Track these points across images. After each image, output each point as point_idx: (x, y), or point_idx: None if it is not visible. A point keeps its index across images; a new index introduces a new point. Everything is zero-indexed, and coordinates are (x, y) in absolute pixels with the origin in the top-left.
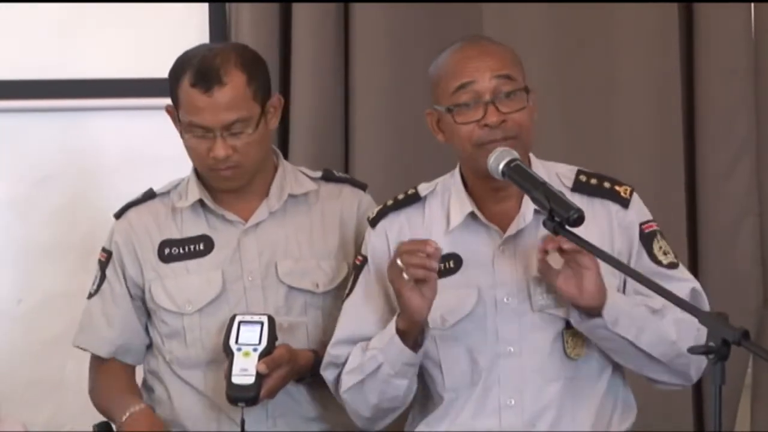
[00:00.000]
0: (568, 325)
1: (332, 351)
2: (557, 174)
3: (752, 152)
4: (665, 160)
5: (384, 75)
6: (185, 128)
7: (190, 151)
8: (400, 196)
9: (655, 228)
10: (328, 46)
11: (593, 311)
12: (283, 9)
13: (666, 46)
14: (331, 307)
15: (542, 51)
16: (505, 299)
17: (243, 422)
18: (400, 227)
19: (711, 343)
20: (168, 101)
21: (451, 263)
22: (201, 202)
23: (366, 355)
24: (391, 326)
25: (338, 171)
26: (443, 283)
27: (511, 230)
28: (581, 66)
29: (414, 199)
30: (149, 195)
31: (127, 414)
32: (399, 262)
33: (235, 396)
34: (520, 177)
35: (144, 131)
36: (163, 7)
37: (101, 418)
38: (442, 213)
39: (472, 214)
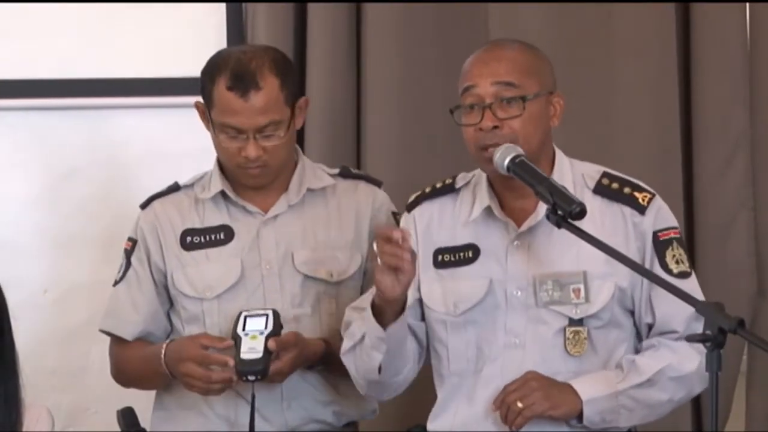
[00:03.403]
0: (570, 323)
1: (347, 314)
2: (582, 174)
3: (747, 149)
4: (663, 157)
5: (395, 73)
6: (218, 128)
7: (221, 148)
8: (438, 185)
9: (672, 236)
10: (341, 45)
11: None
12: (298, 9)
13: (663, 46)
14: (344, 297)
15: (544, 50)
16: (514, 292)
17: (253, 397)
18: (430, 215)
19: (708, 332)
20: (188, 99)
21: (470, 253)
22: (223, 193)
23: (356, 324)
24: (369, 299)
25: (354, 168)
26: (460, 272)
27: (524, 226)
28: (580, 65)
29: (449, 189)
30: (174, 187)
31: (164, 348)
32: (374, 246)
33: (243, 370)
34: (525, 172)
35: (164, 128)
36: (181, 7)
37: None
38: (469, 204)
39: (489, 208)
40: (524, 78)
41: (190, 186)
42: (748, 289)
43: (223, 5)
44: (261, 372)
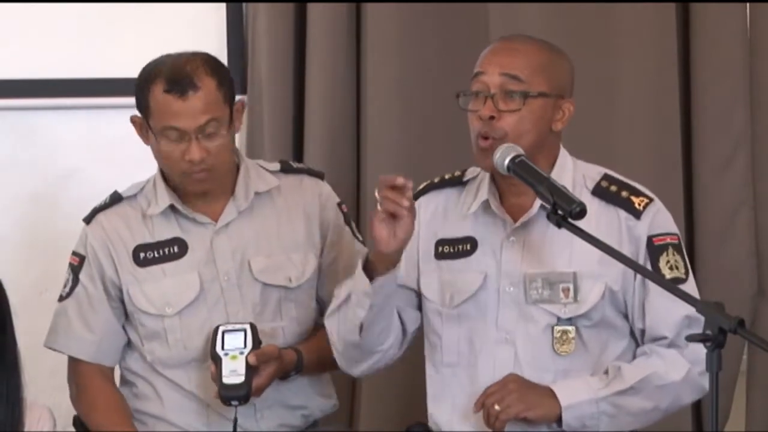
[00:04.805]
0: (559, 322)
1: (336, 290)
2: (583, 175)
3: (747, 147)
4: (663, 155)
5: (395, 73)
6: (159, 134)
7: (164, 157)
8: (447, 176)
9: (668, 242)
10: (341, 45)
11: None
12: (298, 9)
13: (664, 45)
14: (304, 299)
15: None
16: (507, 288)
17: (236, 420)
18: (436, 205)
19: (708, 332)
20: None
21: (468, 246)
22: (171, 206)
23: (345, 283)
24: (361, 262)
25: (295, 162)
26: (458, 264)
27: (518, 222)
28: (580, 64)
29: (457, 181)
30: (116, 198)
31: None
32: (377, 193)
33: (227, 395)
34: (525, 172)
35: None
36: (182, 7)
37: None
38: (472, 198)
39: (487, 202)
40: (533, 75)
41: (133, 197)
42: (748, 289)
43: (223, 5)
44: (244, 397)
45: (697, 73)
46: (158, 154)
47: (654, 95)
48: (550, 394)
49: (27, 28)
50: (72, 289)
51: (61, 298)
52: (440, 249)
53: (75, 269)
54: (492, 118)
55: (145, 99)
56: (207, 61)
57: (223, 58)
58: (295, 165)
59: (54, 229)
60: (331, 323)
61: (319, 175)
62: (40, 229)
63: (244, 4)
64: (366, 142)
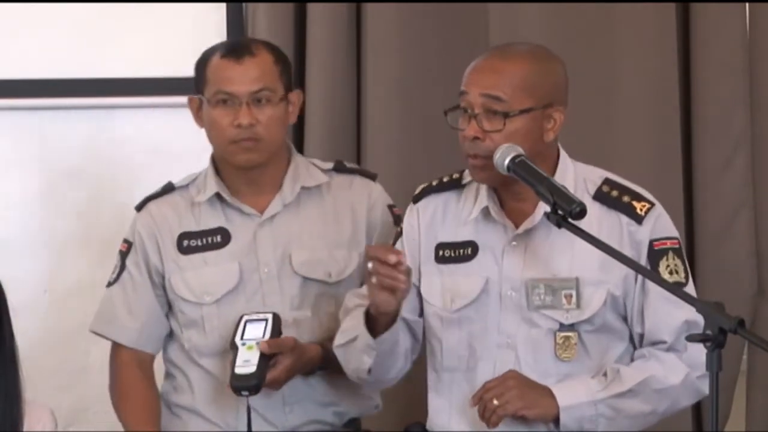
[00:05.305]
0: (561, 328)
1: (346, 301)
2: (584, 179)
3: (747, 147)
4: (663, 155)
5: (395, 72)
6: (212, 102)
7: (213, 126)
8: (445, 179)
9: (668, 246)
10: (341, 44)
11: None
12: (298, 9)
13: (664, 45)
14: (343, 297)
15: None
16: (509, 293)
17: (249, 410)
18: (435, 209)
19: (708, 332)
20: (185, 99)
21: (469, 250)
22: (218, 195)
23: (351, 322)
24: (363, 310)
25: (349, 162)
26: (458, 268)
27: (521, 228)
28: (580, 65)
29: (455, 184)
30: (168, 188)
31: None
32: (369, 265)
33: (237, 385)
34: (525, 172)
35: (164, 128)
36: (182, 7)
37: None
38: (471, 202)
39: (487, 209)
40: (515, 93)
41: (184, 187)
42: (748, 289)
43: (223, 5)
44: (254, 387)
45: (697, 73)
46: (209, 125)
47: (654, 95)
48: (549, 393)
49: (27, 28)
50: (119, 275)
51: (109, 284)
52: (440, 253)
53: (123, 255)
54: (477, 138)
55: (203, 73)
56: (268, 43)
57: None
58: (349, 165)
59: (54, 229)
60: (340, 355)
61: (372, 177)
62: (41, 229)
63: (244, 4)
64: (366, 142)
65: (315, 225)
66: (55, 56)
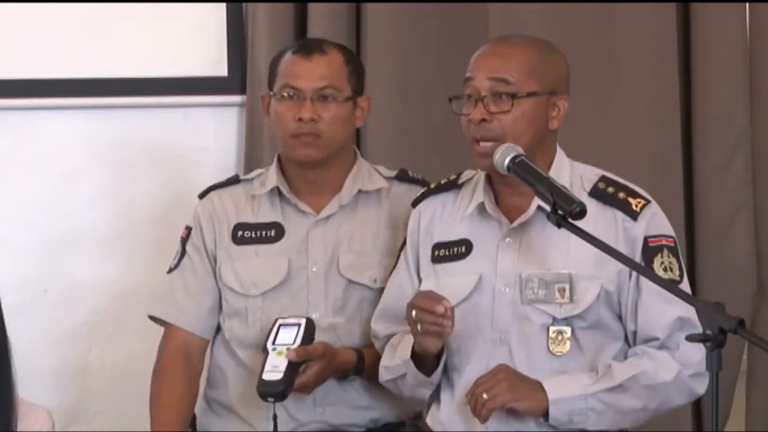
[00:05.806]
0: (554, 322)
1: (373, 325)
2: (581, 176)
3: (747, 147)
4: (664, 155)
5: (395, 72)
6: (278, 94)
7: (277, 119)
8: (443, 181)
9: (663, 243)
10: None
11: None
12: (298, 9)
13: (664, 45)
14: None
15: None
16: (502, 289)
17: (275, 417)
18: (433, 210)
19: (708, 332)
20: (188, 99)
21: (463, 248)
22: (278, 190)
23: (394, 360)
24: (408, 349)
25: (413, 172)
26: (452, 267)
27: (515, 223)
28: (580, 64)
29: (452, 185)
30: (234, 180)
31: None
32: (414, 313)
33: (263, 391)
34: (525, 172)
35: (164, 128)
36: (182, 7)
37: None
38: (468, 200)
39: (482, 205)
40: (522, 76)
41: (249, 180)
42: (748, 288)
43: (223, 5)
44: (280, 394)
45: (697, 73)
46: (274, 119)
47: (654, 95)
48: (539, 387)
49: (27, 28)
50: (179, 261)
51: (170, 270)
52: (436, 253)
53: (183, 241)
54: (484, 120)
55: (275, 69)
56: (343, 45)
57: (223, 58)
58: (412, 175)
59: (54, 229)
60: (391, 387)
61: None
62: (41, 229)
63: (244, 4)
64: (366, 142)
65: (368, 230)
66: (55, 56)
